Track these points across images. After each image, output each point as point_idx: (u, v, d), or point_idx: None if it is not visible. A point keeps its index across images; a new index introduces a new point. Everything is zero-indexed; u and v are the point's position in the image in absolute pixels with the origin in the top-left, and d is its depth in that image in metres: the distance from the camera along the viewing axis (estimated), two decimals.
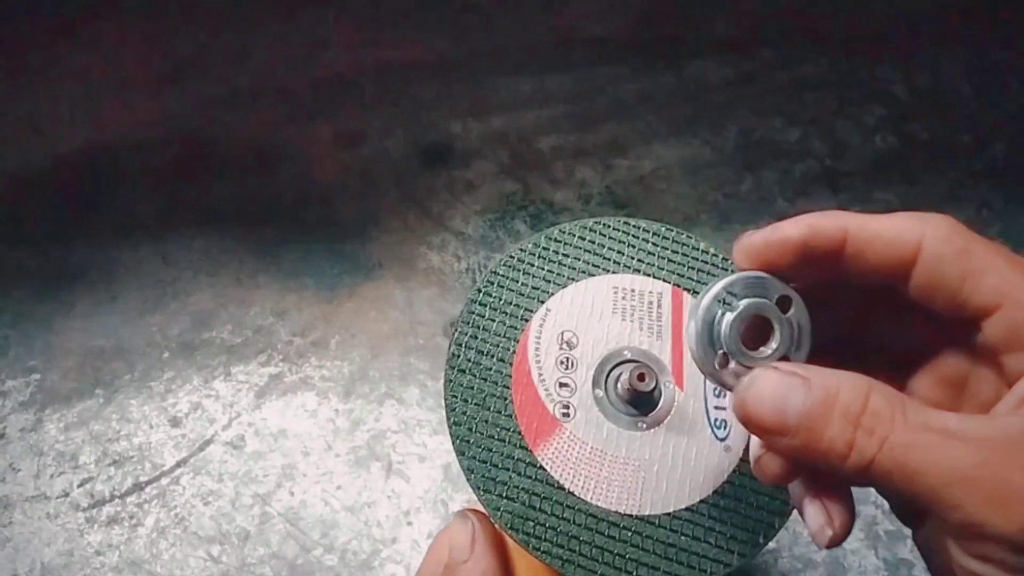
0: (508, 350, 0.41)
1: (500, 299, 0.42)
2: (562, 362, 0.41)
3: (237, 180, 0.80)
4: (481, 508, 0.40)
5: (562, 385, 0.40)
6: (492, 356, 0.40)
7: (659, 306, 0.43)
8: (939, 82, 0.87)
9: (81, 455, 0.66)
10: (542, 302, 0.42)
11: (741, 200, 0.80)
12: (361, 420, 0.68)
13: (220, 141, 0.83)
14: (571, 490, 0.38)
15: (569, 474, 0.38)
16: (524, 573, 0.41)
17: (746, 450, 0.40)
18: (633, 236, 0.44)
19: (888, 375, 0.32)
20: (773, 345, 0.33)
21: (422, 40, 0.90)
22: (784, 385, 0.30)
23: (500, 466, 0.38)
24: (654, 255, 0.44)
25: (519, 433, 0.39)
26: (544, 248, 0.43)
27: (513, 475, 0.38)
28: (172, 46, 0.89)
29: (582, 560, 0.37)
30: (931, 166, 0.82)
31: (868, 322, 0.37)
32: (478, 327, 0.41)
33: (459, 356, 0.40)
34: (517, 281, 0.42)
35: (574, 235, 0.44)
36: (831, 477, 0.31)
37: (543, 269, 0.43)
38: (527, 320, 0.41)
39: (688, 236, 0.45)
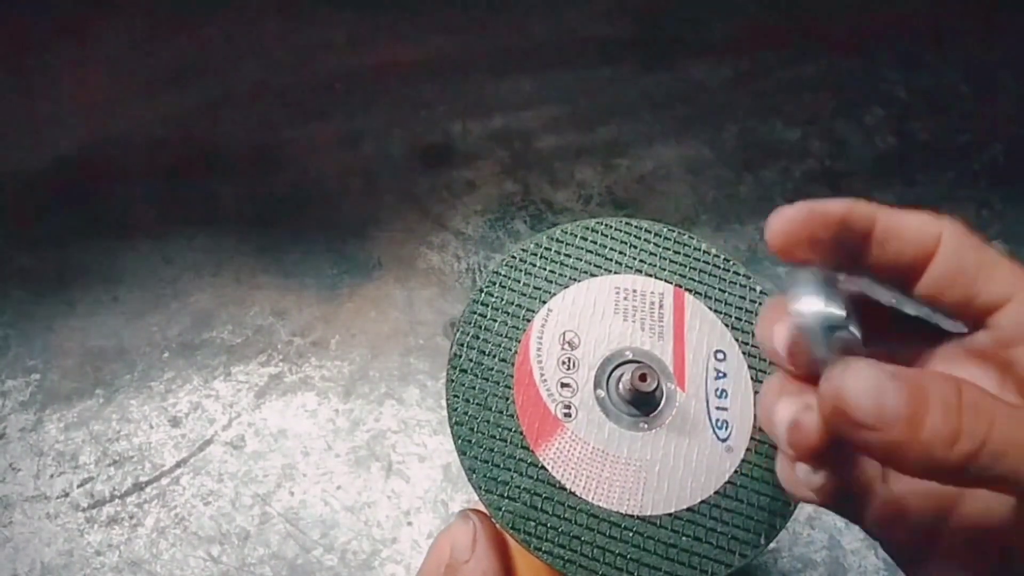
0: (510, 350, 0.41)
1: (502, 299, 0.42)
2: (564, 362, 0.41)
3: (237, 180, 0.80)
4: (482, 508, 0.40)
5: (564, 385, 0.40)
6: (494, 356, 0.40)
7: (661, 307, 0.43)
8: (939, 82, 0.87)
9: (81, 455, 0.66)
10: (544, 302, 0.42)
11: (741, 200, 0.80)
12: (361, 420, 0.68)
13: (220, 141, 0.83)
14: (572, 490, 0.38)
15: (571, 474, 0.38)
16: (525, 573, 0.41)
17: (747, 451, 0.40)
18: (635, 237, 0.44)
19: None
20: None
21: (422, 40, 0.90)
22: (879, 377, 0.29)
23: (502, 466, 0.38)
24: (656, 256, 0.44)
25: (521, 433, 0.39)
26: (546, 248, 0.43)
27: (515, 475, 0.38)
28: (172, 46, 0.89)
29: (583, 560, 0.37)
30: (931, 166, 0.82)
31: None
32: (480, 327, 0.41)
33: (461, 356, 0.40)
34: (519, 281, 0.42)
35: (576, 235, 0.44)
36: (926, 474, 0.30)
37: (545, 269, 0.43)
38: (529, 320, 0.41)
39: (690, 237, 0.45)
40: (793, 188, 0.80)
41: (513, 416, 0.39)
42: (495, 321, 0.41)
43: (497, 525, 0.39)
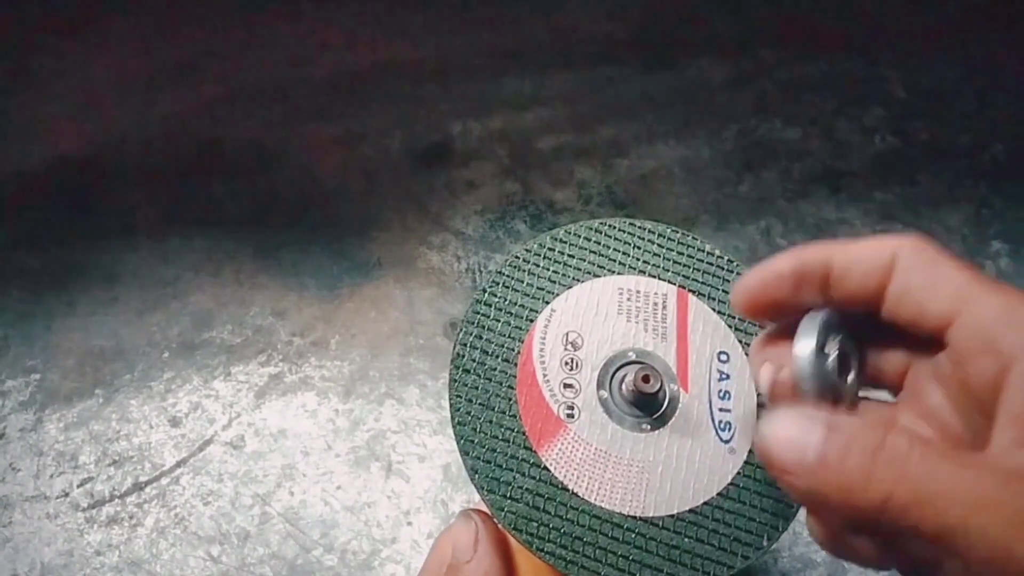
0: (513, 350, 0.41)
1: (505, 299, 0.42)
2: (567, 363, 0.41)
3: (237, 180, 0.80)
4: (484, 508, 0.40)
5: (566, 386, 0.40)
6: (497, 356, 0.40)
7: (664, 308, 0.43)
8: (939, 82, 0.87)
9: (81, 455, 0.66)
10: (547, 303, 0.42)
11: (741, 200, 0.80)
12: (361, 420, 0.68)
13: (220, 141, 0.83)
14: (575, 491, 0.38)
15: (573, 475, 0.39)
16: (527, 574, 0.41)
17: (750, 452, 0.40)
18: (638, 237, 0.44)
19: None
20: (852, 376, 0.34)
21: (422, 40, 0.90)
22: (802, 424, 0.29)
23: (504, 466, 0.38)
24: (659, 256, 0.44)
25: (523, 434, 0.39)
26: (549, 249, 0.43)
27: (517, 475, 0.38)
28: (172, 46, 0.89)
29: (585, 561, 0.37)
30: (931, 166, 0.82)
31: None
32: (483, 327, 0.41)
33: (464, 356, 0.40)
34: (522, 281, 0.42)
35: (579, 236, 0.44)
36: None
37: (548, 270, 0.43)
38: (532, 320, 0.41)
39: (694, 238, 0.45)
40: (793, 188, 0.80)
41: (516, 416, 0.39)
42: (498, 321, 0.41)
43: (499, 525, 0.39)
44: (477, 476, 0.38)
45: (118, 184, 0.80)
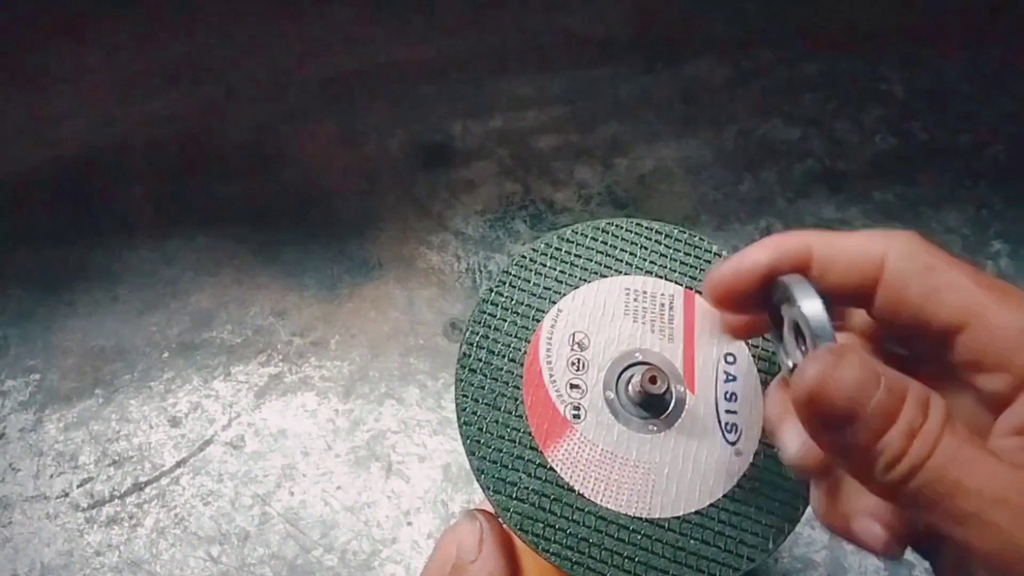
0: (519, 350, 0.41)
1: (512, 299, 0.42)
2: (573, 363, 0.41)
3: (237, 180, 0.80)
4: (488, 508, 0.40)
5: (573, 386, 0.40)
6: (503, 356, 0.40)
7: (671, 308, 0.43)
8: (939, 82, 0.88)
9: (81, 455, 0.66)
10: (553, 303, 0.42)
11: (741, 200, 0.80)
12: (361, 420, 0.68)
13: (220, 141, 0.83)
14: (581, 492, 0.38)
15: (579, 476, 0.38)
16: (532, 574, 0.41)
17: (756, 454, 0.40)
18: (645, 238, 0.44)
19: None
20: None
21: (422, 40, 0.90)
22: (868, 373, 0.28)
23: (510, 467, 0.38)
24: (666, 257, 0.44)
25: (529, 434, 0.39)
26: (556, 248, 0.43)
27: (523, 476, 0.38)
28: (172, 46, 0.89)
29: (591, 562, 0.37)
30: (931, 166, 0.82)
31: None
32: (489, 327, 0.41)
33: (470, 356, 0.40)
34: (529, 281, 0.42)
35: (586, 236, 0.44)
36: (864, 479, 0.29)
37: (555, 270, 0.43)
38: (539, 320, 0.41)
39: (700, 238, 0.45)
40: (793, 188, 0.80)
41: (522, 417, 0.39)
42: (505, 321, 0.41)
43: (505, 526, 0.39)
44: (483, 476, 0.38)
45: (118, 184, 0.80)
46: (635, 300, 0.43)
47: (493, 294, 0.42)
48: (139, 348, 0.71)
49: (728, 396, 0.41)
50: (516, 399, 0.40)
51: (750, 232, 0.78)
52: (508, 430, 0.39)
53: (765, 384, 0.41)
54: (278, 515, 0.64)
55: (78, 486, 0.65)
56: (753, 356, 0.42)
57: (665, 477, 0.39)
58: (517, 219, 0.78)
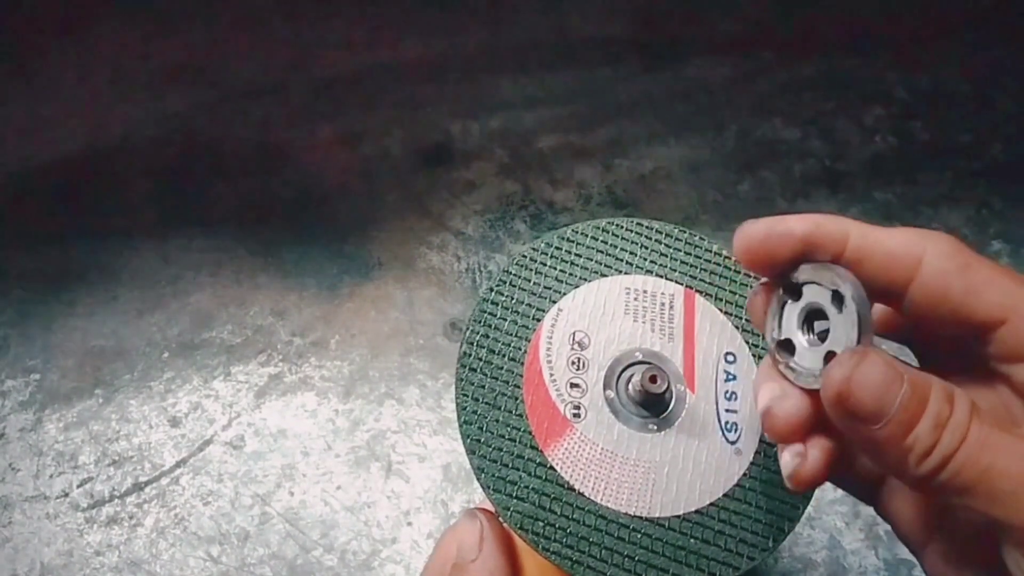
0: (520, 349, 0.41)
1: (512, 298, 0.42)
2: (573, 362, 0.41)
3: (237, 180, 0.80)
4: (488, 507, 0.40)
5: (573, 386, 0.40)
6: (504, 355, 0.40)
7: (671, 308, 0.43)
8: (939, 82, 0.88)
9: (81, 455, 0.66)
10: (554, 302, 0.42)
11: (741, 200, 0.80)
12: (361, 420, 0.68)
13: (220, 141, 0.82)
14: (581, 491, 0.38)
15: (579, 475, 0.38)
16: (533, 573, 0.41)
17: (756, 453, 0.40)
18: (646, 237, 0.44)
19: None
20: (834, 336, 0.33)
21: (422, 40, 0.90)
22: (891, 372, 0.29)
23: (510, 466, 0.38)
24: (667, 256, 0.44)
25: (530, 433, 0.39)
26: (556, 248, 0.43)
27: (523, 475, 0.38)
28: (172, 46, 0.89)
29: (591, 561, 0.37)
30: (931, 166, 0.82)
31: None
32: (489, 326, 0.41)
33: (470, 355, 0.40)
34: (529, 281, 0.42)
35: (587, 235, 0.44)
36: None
37: (555, 269, 0.43)
38: (539, 320, 0.41)
39: (701, 238, 0.45)
40: (793, 188, 0.80)
41: (522, 416, 0.39)
42: (505, 320, 0.41)
43: (505, 525, 0.39)
44: (483, 475, 0.38)
45: (118, 184, 0.79)
46: (635, 299, 0.43)
47: (493, 294, 0.42)
48: (139, 348, 0.71)
49: (728, 395, 0.41)
50: (516, 398, 0.40)
51: None
52: (508, 429, 0.39)
53: None
54: (278, 515, 0.64)
55: (78, 486, 0.65)
56: (754, 355, 0.42)
57: (665, 476, 0.39)
58: (517, 219, 0.78)
